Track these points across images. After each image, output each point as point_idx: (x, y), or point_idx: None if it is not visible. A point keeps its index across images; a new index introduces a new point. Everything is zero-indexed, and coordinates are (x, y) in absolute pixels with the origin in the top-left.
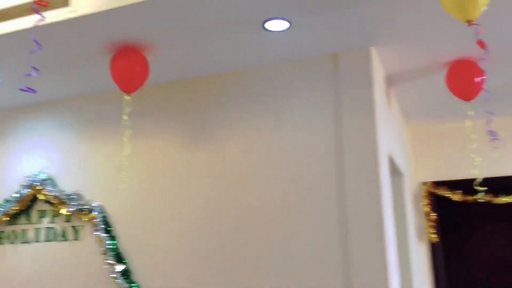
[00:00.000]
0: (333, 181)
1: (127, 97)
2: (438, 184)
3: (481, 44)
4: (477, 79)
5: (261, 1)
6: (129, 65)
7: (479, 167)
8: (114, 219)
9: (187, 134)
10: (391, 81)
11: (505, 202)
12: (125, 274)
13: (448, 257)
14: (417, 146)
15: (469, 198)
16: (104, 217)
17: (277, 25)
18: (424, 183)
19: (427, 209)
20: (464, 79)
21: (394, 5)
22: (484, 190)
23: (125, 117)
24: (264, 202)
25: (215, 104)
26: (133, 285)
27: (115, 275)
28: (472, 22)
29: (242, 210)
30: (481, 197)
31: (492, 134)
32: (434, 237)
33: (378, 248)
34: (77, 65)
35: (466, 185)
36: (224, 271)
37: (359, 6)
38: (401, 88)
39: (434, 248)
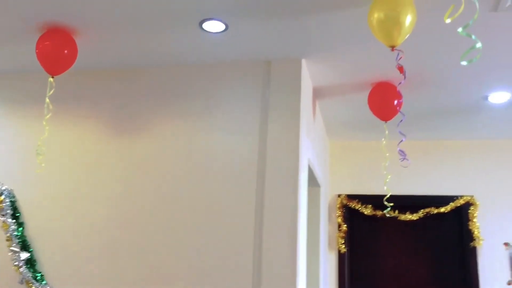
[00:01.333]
0: (254, 185)
1: (51, 79)
2: (352, 197)
3: (400, 69)
4: (395, 102)
5: (199, 1)
6: (56, 47)
7: (389, 184)
8: (23, 205)
9: (111, 124)
10: (317, 94)
11: (409, 220)
12: (30, 262)
13: (354, 267)
14: (335, 159)
15: (378, 212)
16: (12, 202)
17: (214, 26)
18: (339, 196)
19: (339, 220)
20: (384, 101)
21: (327, 21)
22: (391, 206)
23: (47, 100)
24: (182, 199)
25: (145, 97)
26: (37, 274)
27: (18, 263)
28: (395, 48)
29: (156, 204)
30: (388, 213)
31: (402, 154)
32: (343, 247)
33: (290, 254)
34: (1, 40)
35: (376, 200)
36: (133, 264)
37: (294, 17)
38: (326, 102)
39: (342, 258)
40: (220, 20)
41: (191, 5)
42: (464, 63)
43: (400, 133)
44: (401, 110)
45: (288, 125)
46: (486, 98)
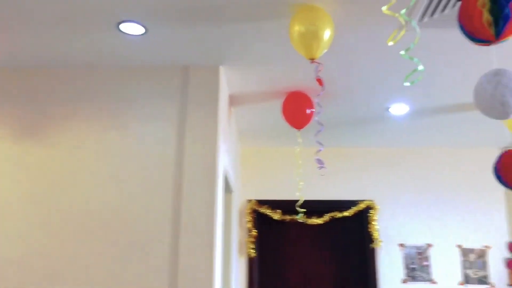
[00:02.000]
0: (170, 191)
1: None
2: (262, 202)
3: (319, 81)
4: (308, 111)
5: (117, 2)
6: None
7: (300, 190)
8: None
9: (18, 125)
10: (233, 101)
11: (315, 224)
12: None
13: (263, 271)
14: (247, 165)
15: (287, 217)
16: None
17: (132, 29)
18: (249, 201)
19: (249, 225)
20: (297, 109)
21: (247, 30)
22: (304, 211)
23: None
24: (94, 204)
25: (57, 99)
26: None
27: None
28: (314, 60)
29: (66, 210)
30: (300, 218)
31: (320, 162)
32: (253, 252)
33: (207, 261)
34: None
35: (285, 205)
36: (48, 268)
37: (214, 24)
38: (241, 109)
39: (252, 263)
40: (139, 23)
41: (108, 5)
42: (407, 84)
43: (318, 142)
44: (318, 120)
45: (206, 132)
46: (387, 109)
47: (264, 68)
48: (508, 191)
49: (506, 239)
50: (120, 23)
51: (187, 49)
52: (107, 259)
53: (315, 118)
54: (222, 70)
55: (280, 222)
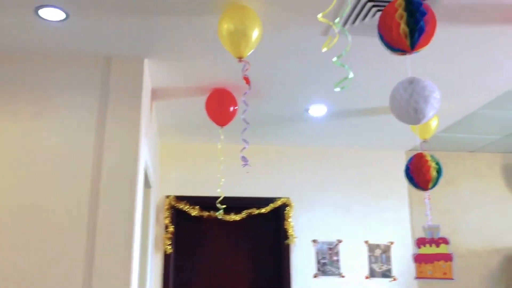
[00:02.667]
0: (88, 185)
1: None
2: (180, 198)
3: (246, 80)
4: (231, 108)
5: None
6: None
7: (215, 186)
8: None
9: None
10: (155, 94)
11: (233, 220)
12: None
13: (179, 267)
14: (166, 160)
15: (205, 213)
16: None
17: (52, 14)
18: (167, 197)
19: (166, 221)
20: (221, 106)
21: (174, 24)
22: (224, 208)
23: None
24: (8, 197)
25: None
26: None
27: None
28: (242, 59)
29: None
30: (219, 214)
31: (244, 160)
32: (169, 248)
33: (125, 258)
34: None
35: (204, 201)
36: None
37: (140, 15)
38: (163, 103)
39: (168, 259)
40: (60, 8)
41: None
42: (337, 89)
43: (244, 140)
44: (244, 118)
45: (127, 126)
46: (307, 110)
47: (190, 63)
48: (411, 192)
49: (409, 235)
50: (39, 7)
51: (111, 38)
52: (18, 254)
53: (241, 116)
54: (147, 63)
55: (198, 218)
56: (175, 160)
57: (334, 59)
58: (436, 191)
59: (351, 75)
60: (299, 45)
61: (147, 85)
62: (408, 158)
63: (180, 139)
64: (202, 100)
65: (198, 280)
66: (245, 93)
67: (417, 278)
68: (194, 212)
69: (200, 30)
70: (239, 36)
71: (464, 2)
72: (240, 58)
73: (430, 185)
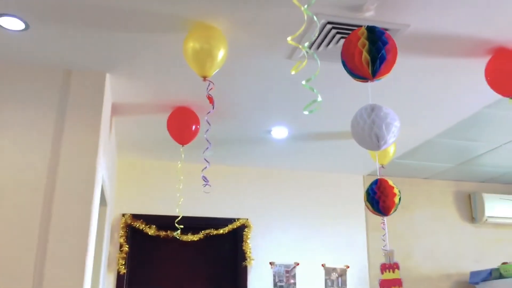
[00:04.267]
0: (41, 200)
1: None
2: (136, 217)
3: (210, 99)
4: (193, 127)
5: None
6: None
7: (173, 206)
8: None
9: None
10: (115, 110)
11: (190, 240)
12: None
13: None
14: (123, 178)
15: (162, 233)
16: None
17: (11, 23)
18: (124, 215)
19: (121, 240)
20: (182, 125)
21: (138, 39)
22: (181, 227)
23: None
24: None
25: None
26: None
27: None
28: (207, 79)
29: None
30: (177, 234)
31: (205, 180)
32: (123, 268)
33: (76, 276)
34: None
35: (161, 221)
36: None
37: (102, 28)
38: (123, 119)
39: (121, 280)
40: (19, 18)
41: None
42: (306, 112)
43: (205, 160)
44: (206, 137)
45: (85, 142)
46: (269, 132)
47: (154, 80)
48: (368, 216)
49: (365, 259)
50: None
51: (73, 51)
52: None
53: (204, 135)
54: (108, 78)
55: (155, 238)
56: (133, 177)
57: (303, 82)
58: (392, 216)
59: (319, 98)
60: (263, 67)
61: (108, 100)
62: (366, 182)
63: (139, 157)
64: (164, 117)
65: None
66: (208, 113)
67: None
68: (151, 231)
69: (165, 48)
70: (205, 55)
71: (424, 34)
72: (204, 78)
73: (392, 211)
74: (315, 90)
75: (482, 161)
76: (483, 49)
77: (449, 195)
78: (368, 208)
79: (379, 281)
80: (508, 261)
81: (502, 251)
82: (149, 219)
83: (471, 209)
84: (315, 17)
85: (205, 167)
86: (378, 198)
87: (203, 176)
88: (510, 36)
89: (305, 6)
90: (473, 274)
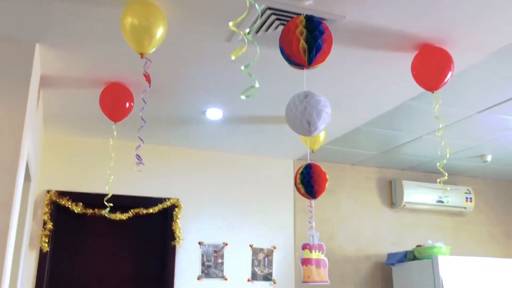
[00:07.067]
0: None
1: None
2: (62, 194)
3: (147, 77)
4: (127, 104)
5: None
6: None
7: (101, 184)
8: None
9: None
10: (44, 82)
11: (119, 219)
12: None
13: (56, 268)
14: (50, 154)
15: (89, 211)
16: None
17: None
18: (48, 192)
19: (45, 217)
20: (116, 102)
21: (73, 9)
22: (111, 205)
23: None
24: None
25: None
26: None
27: None
28: (144, 56)
29: None
30: (106, 212)
31: (139, 158)
32: (46, 246)
33: None
34: None
35: (89, 199)
36: None
37: None
38: (52, 93)
39: (44, 257)
40: None
41: None
42: (243, 97)
43: (140, 138)
44: (141, 116)
45: (12, 113)
46: (204, 113)
47: (87, 53)
48: (296, 199)
49: (291, 241)
50: None
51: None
52: None
53: (140, 114)
54: (38, 48)
55: (81, 216)
56: (60, 153)
57: (242, 68)
58: (319, 200)
59: (257, 85)
60: (201, 48)
61: (37, 71)
62: (296, 167)
63: (68, 132)
64: (96, 93)
65: (77, 281)
66: (144, 91)
67: (304, 282)
68: (78, 209)
69: (101, 21)
70: (143, 32)
71: (358, 26)
72: (142, 55)
73: (319, 196)
74: (253, 76)
75: (403, 150)
76: (410, 44)
77: (372, 181)
78: (299, 190)
79: (300, 259)
80: (422, 244)
81: (417, 234)
82: (76, 197)
83: (391, 195)
84: (255, 3)
85: (139, 145)
86: (314, 182)
87: (137, 155)
88: (435, 34)
89: None
90: (390, 255)
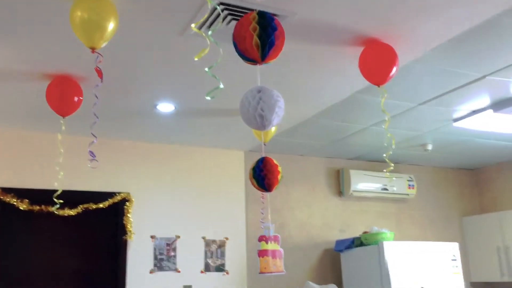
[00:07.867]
0: None
1: None
2: (7, 190)
3: (99, 72)
4: (76, 99)
5: None
6: None
7: (50, 179)
8: None
9: None
10: None
11: (67, 215)
12: None
13: (1, 268)
14: None
15: (36, 207)
16: None
17: None
18: None
19: None
20: (64, 96)
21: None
22: (61, 202)
23: None
24: None
25: None
26: None
27: None
28: (95, 50)
29: None
30: (55, 209)
31: (92, 155)
32: None
33: None
34: None
35: (36, 195)
36: None
37: None
38: None
39: None
40: None
41: None
42: (208, 98)
43: (93, 134)
44: (94, 111)
45: None
46: (155, 106)
47: (36, 46)
48: (248, 190)
49: (243, 232)
50: None
51: None
52: None
53: (92, 110)
54: None
55: (28, 213)
56: (4, 149)
57: (206, 69)
58: None
59: (221, 85)
60: (152, 41)
61: None
62: (247, 158)
63: (11, 127)
64: (41, 86)
65: (23, 280)
66: (96, 86)
67: (261, 273)
68: (23, 206)
69: (50, 13)
70: (93, 26)
71: (308, 22)
72: (93, 49)
73: (274, 188)
74: (217, 78)
75: (351, 141)
76: (358, 39)
77: (321, 171)
78: (253, 185)
79: (258, 251)
80: (368, 231)
81: (364, 221)
82: (21, 193)
83: (339, 184)
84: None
85: (92, 142)
86: (264, 176)
87: (90, 152)
88: (381, 30)
89: None
90: (338, 242)
